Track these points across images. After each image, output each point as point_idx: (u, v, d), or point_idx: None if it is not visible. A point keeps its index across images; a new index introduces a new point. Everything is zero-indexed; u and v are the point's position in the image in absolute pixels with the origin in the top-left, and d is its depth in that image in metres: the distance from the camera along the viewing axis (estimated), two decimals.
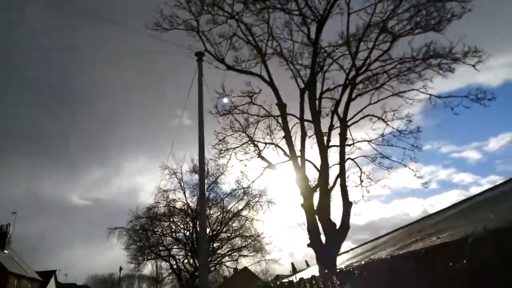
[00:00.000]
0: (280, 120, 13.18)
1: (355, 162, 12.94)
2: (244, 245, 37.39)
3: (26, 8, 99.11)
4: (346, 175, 12.04)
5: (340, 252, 12.43)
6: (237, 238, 37.46)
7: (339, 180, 11.81)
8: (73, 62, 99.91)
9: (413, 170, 12.67)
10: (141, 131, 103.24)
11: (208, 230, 36.36)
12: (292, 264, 45.94)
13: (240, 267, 41.92)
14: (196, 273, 34.39)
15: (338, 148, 12.23)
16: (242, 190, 35.01)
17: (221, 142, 13.87)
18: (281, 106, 13.01)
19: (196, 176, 35.91)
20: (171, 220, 36.43)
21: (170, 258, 37.08)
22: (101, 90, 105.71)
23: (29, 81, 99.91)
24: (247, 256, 37.57)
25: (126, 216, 35.60)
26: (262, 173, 13.76)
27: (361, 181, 13.10)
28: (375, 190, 15.05)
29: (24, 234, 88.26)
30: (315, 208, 11.34)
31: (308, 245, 10.96)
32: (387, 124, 12.82)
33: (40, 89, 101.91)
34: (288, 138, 12.73)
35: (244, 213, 36.60)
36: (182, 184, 35.50)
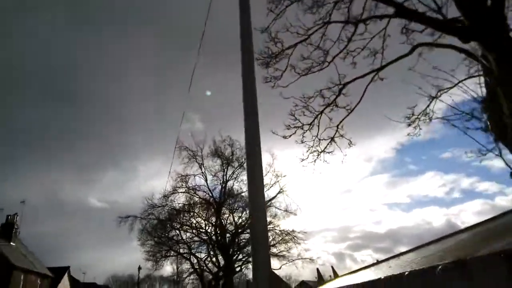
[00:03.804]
0: None
1: None
2: (272, 243, 32.74)
3: (49, 16, 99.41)
4: None
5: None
6: None
7: None
8: (89, 68, 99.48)
9: None
10: (156, 135, 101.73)
11: (232, 226, 32.03)
12: (318, 270, 41.36)
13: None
14: (220, 274, 30.07)
15: None
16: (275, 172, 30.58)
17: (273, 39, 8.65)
18: None
19: (219, 161, 31.64)
20: (191, 212, 32.12)
21: (191, 256, 32.84)
22: (116, 94, 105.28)
23: (46, 88, 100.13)
24: (276, 255, 32.89)
25: (140, 205, 31.89)
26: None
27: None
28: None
29: (42, 234, 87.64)
30: None
31: None
32: None
33: (59, 96, 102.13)
34: None
35: (276, 204, 32.09)
36: (203, 169, 31.27)
